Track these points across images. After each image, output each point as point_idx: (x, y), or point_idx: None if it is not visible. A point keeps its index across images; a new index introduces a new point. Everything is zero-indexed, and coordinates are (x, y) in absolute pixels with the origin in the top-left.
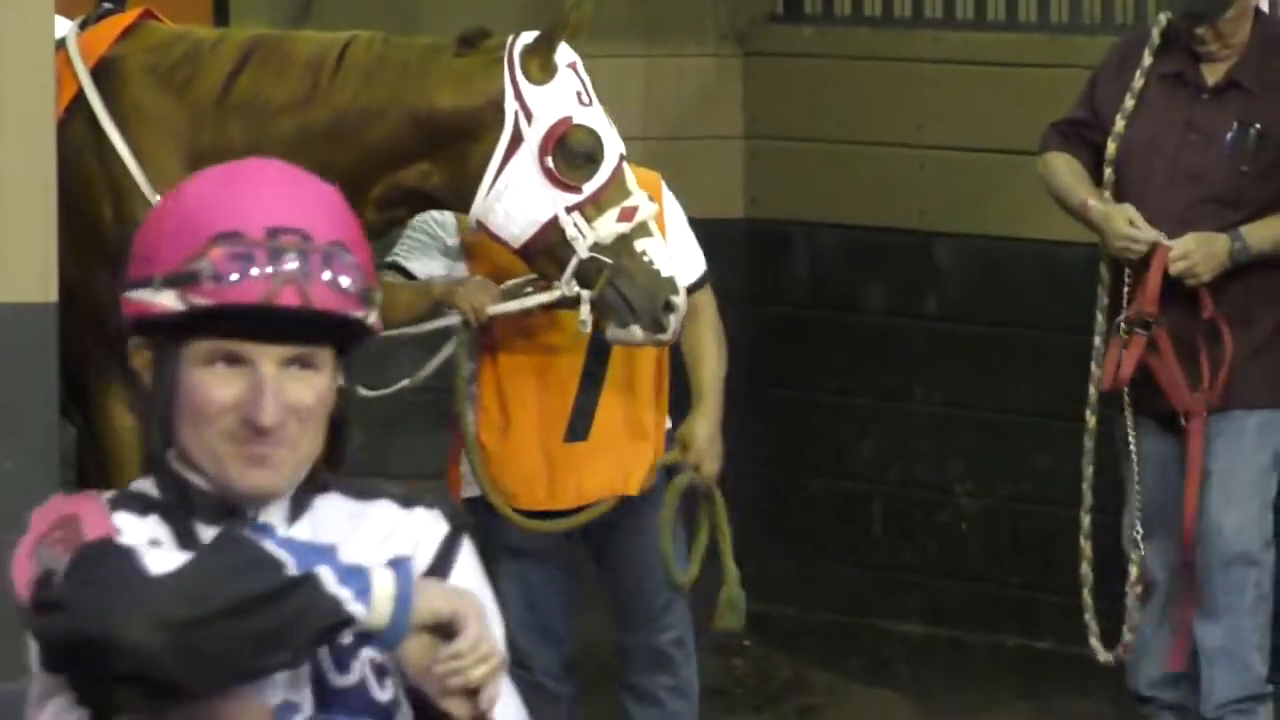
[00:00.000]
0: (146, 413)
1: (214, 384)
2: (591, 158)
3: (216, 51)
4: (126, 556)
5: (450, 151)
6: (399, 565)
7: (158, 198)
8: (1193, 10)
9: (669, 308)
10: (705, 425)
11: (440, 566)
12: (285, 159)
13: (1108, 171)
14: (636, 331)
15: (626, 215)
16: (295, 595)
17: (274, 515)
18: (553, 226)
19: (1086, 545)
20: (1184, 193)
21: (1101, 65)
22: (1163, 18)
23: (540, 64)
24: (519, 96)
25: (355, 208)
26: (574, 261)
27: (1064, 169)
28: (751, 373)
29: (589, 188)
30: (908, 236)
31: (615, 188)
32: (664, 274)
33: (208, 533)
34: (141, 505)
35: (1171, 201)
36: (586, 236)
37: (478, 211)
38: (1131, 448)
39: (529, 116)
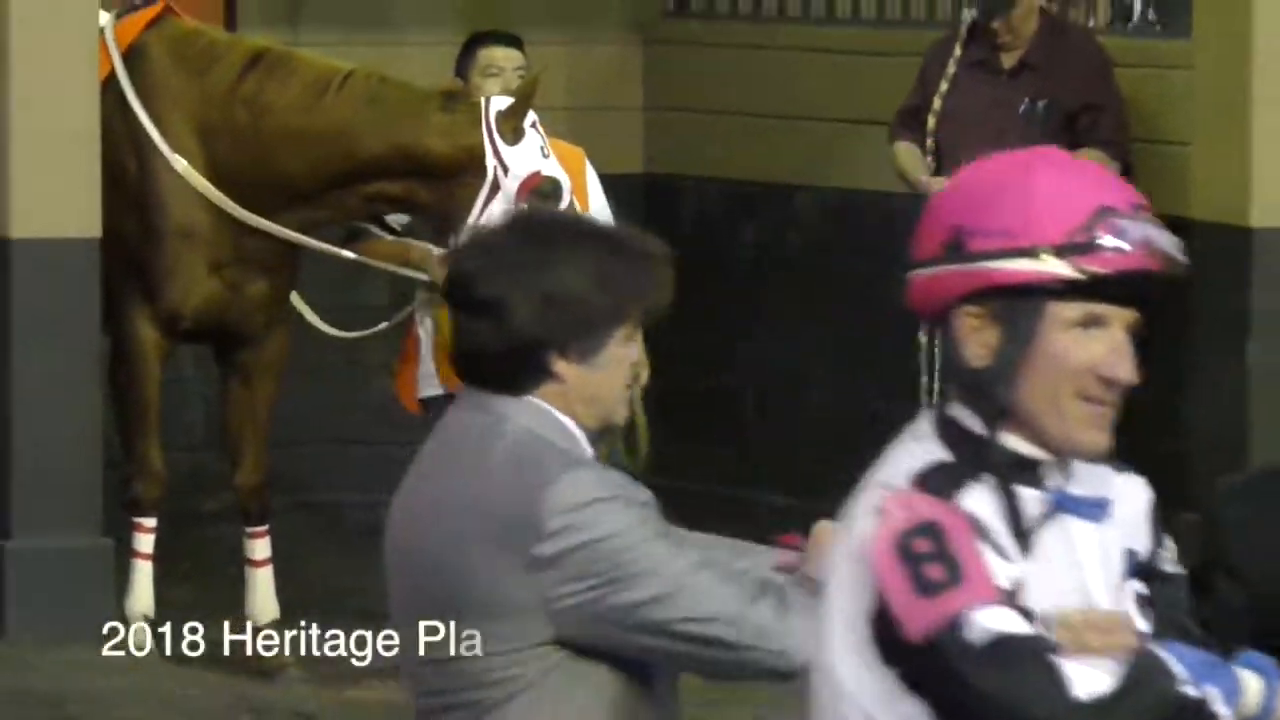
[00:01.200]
0: (955, 376)
1: (1081, 344)
2: (555, 200)
3: (232, 50)
4: (1049, 669)
5: (438, 186)
6: (1263, 667)
7: (175, 157)
8: (987, 8)
9: None
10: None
11: (1157, 535)
12: (282, 148)
13: (929, 142)
14: None
15: None
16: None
17: (1059, 478)
18: None
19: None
20: (991, 153)
21: (926, 57)
22: (968, 15)
23: (513, 128)
24: (497, 154)
25: (343, 195)
26: None
27: (905, 155)
28: None
29: None
30: (774, 189)
31: None
32: None
33: (1030, 501)
34: (954, 477)
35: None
36: None
37: (461, 235)
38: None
39: (505, 170)
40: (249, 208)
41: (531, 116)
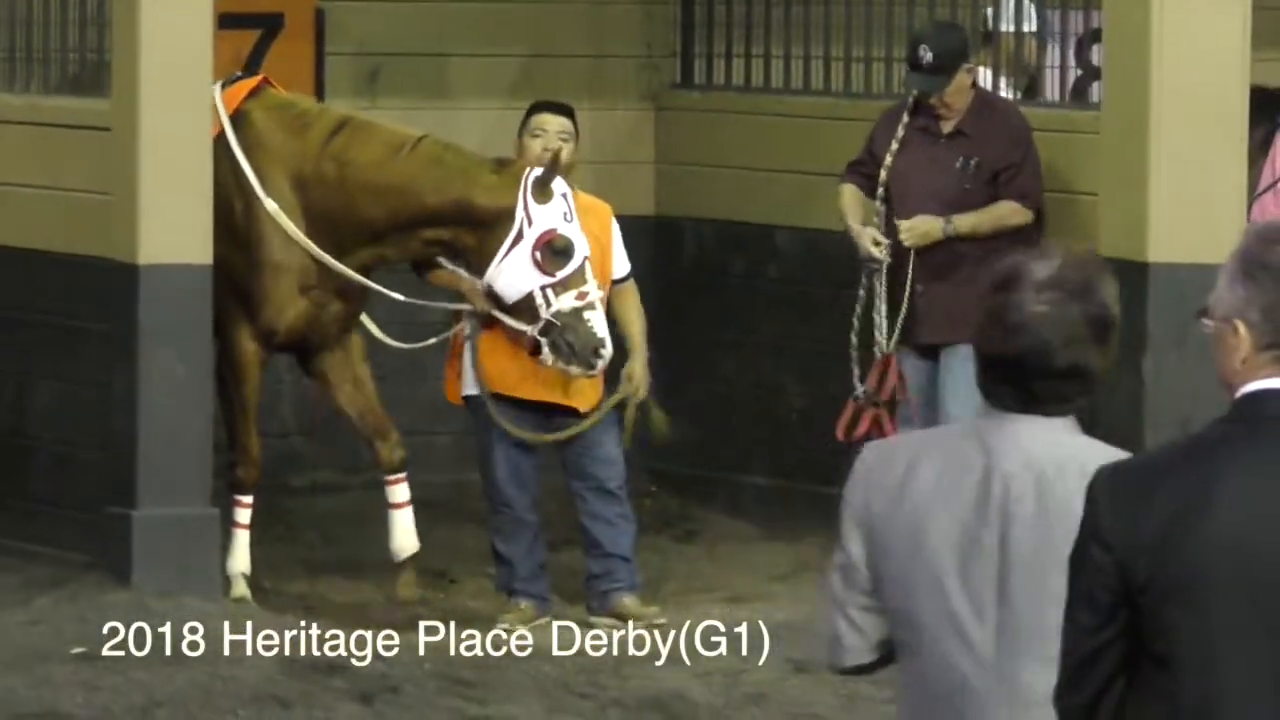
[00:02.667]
0: None
1: None
2: (566, 255)
3: (321, 117)
4: None
5: (478, 232)
6: None
7: (268, 201)
8: (923, 89)
9: (598, 355)
10: (639, 365)
11: None
12: (362, 197)
13: (880, 191)
14: (574, 369)
15: (581, 296)
16: None
17: None
18: (531, 295)
19: None
20: (930, 204)
21: (877, 123)
22: (914, 91)
23: (543, 191)
24: (526, 209)
25: (407, 238)
26: (542, 321)
27: (847, 198)
28: (659, 320)
29: (560, 274)
30: (758, 228)
31: (577, 277)
32: (598, 335)
33: None
34: None
35: (921, 208)
36: (552, 305)
37: (488, 276)
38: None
39: (530, 222)
40: (334, 245)
41: (563, 187)
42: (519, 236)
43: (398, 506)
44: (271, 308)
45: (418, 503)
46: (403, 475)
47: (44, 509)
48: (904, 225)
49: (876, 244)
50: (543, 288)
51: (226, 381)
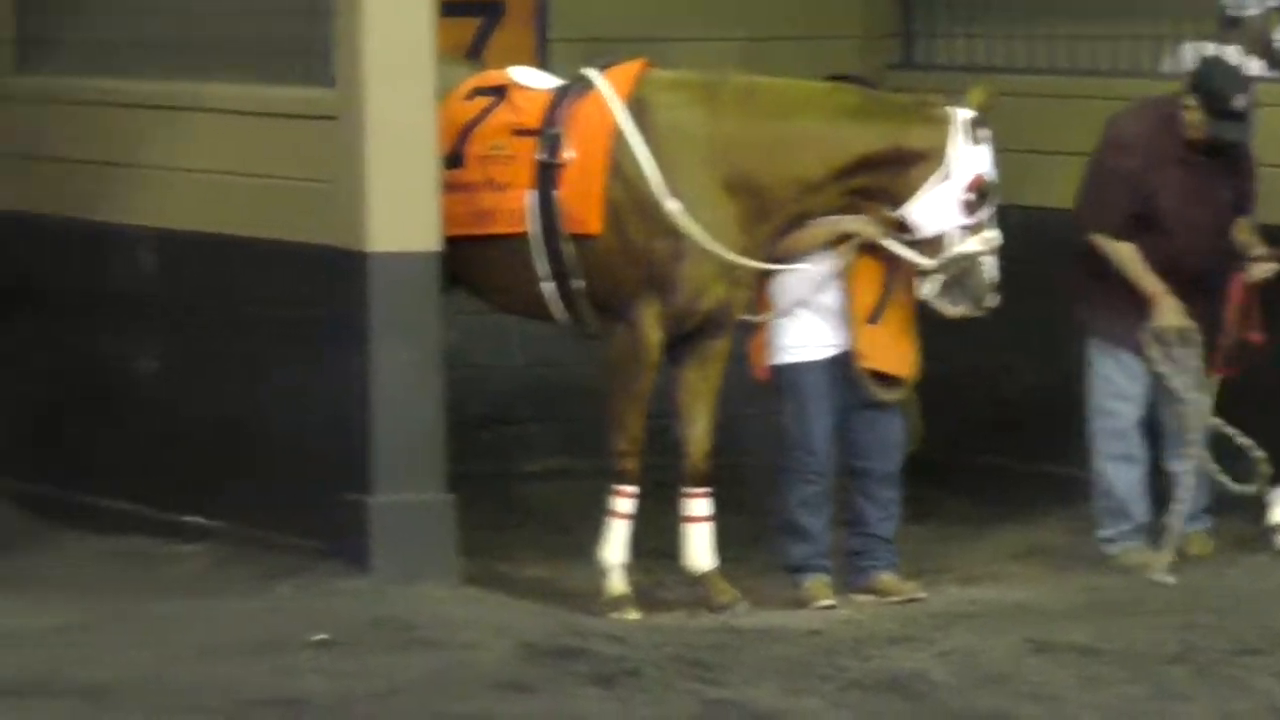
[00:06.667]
0: None
1: None
2: (988, 201)
3: (725, 84)
4: None
5: (902, 171)
6: None
7: (670, 201)
8: (1237, 138)
9: (987, 299)
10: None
11: None
12: (792, 155)
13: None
14: (958, 309)
15: (986, 241)
16: None
17: None
18: (944, 234)
19: None
20: (1203, 236)
21: (1122, 157)
22: (1193, 130)
23: (975, 133)
24: (958, 150)
25: (832, 191)
26: (945, 255)
27: (1130, 258)
28: None
29: (977, 217)
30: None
31: (989, 223)
32: (993, 280)
33: None
34: None
35: (1195, 242)
36: (959, 246)
37: (904, 209)
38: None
39: (961, 162)
40: (758, 210)
41: (987, 133)
42: (945, 175)
43: (692, 521)
44: (687, 296)
45: (660, 484)
46: (703, 490)
47: (280, 497)
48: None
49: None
50: (959, 228)
51: (627, 371)
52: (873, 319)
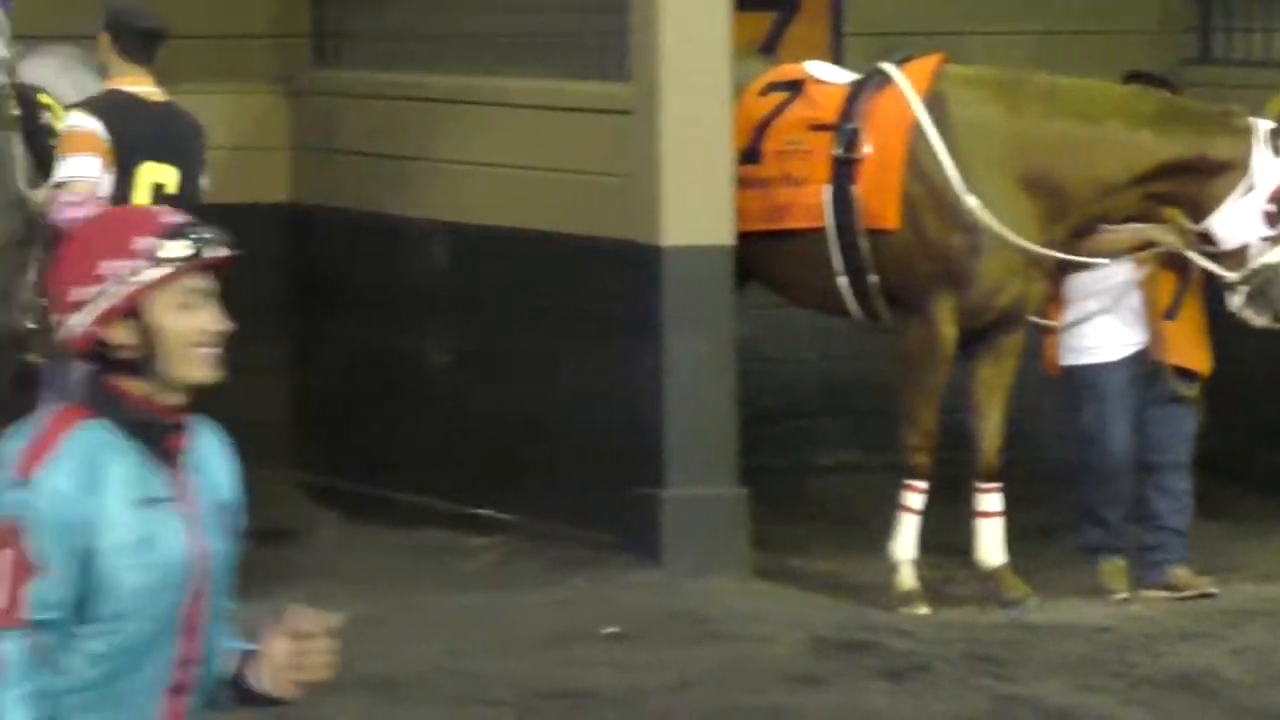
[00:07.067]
0: None
1: None
2: None
3: (1025, 82)
4: None
5: (1203, 181)
6: None
7: (968, 197)
8: None
9: None
10: None
11: None
12: (1094, 157)
13: None
14: (1261, 319)
15: None
16: None
17: None
18: (1247, 246)
19: None
20: None
21: None
22: None
23: (1276, 144)
24: (1261, 161)
25: (1131, 196)
26: (1247, 270)
27: None
28: None
29: (1277, 230)
30: None
31: None
32: None
33: None
34: None
35: None
36: (1262, 258)
37: (1207, 222)
38: None
39: (1263, 174)
40: (1053, 210)
41: None
42: (1249, 186)
43: (984, 516)
44: (985, 291)
45: (949, 479)
46: (995, 485)
47: (572, 490)
48: None
49: None
50: (1261, 239)
51: (921, 365)
52: (1169, 315)
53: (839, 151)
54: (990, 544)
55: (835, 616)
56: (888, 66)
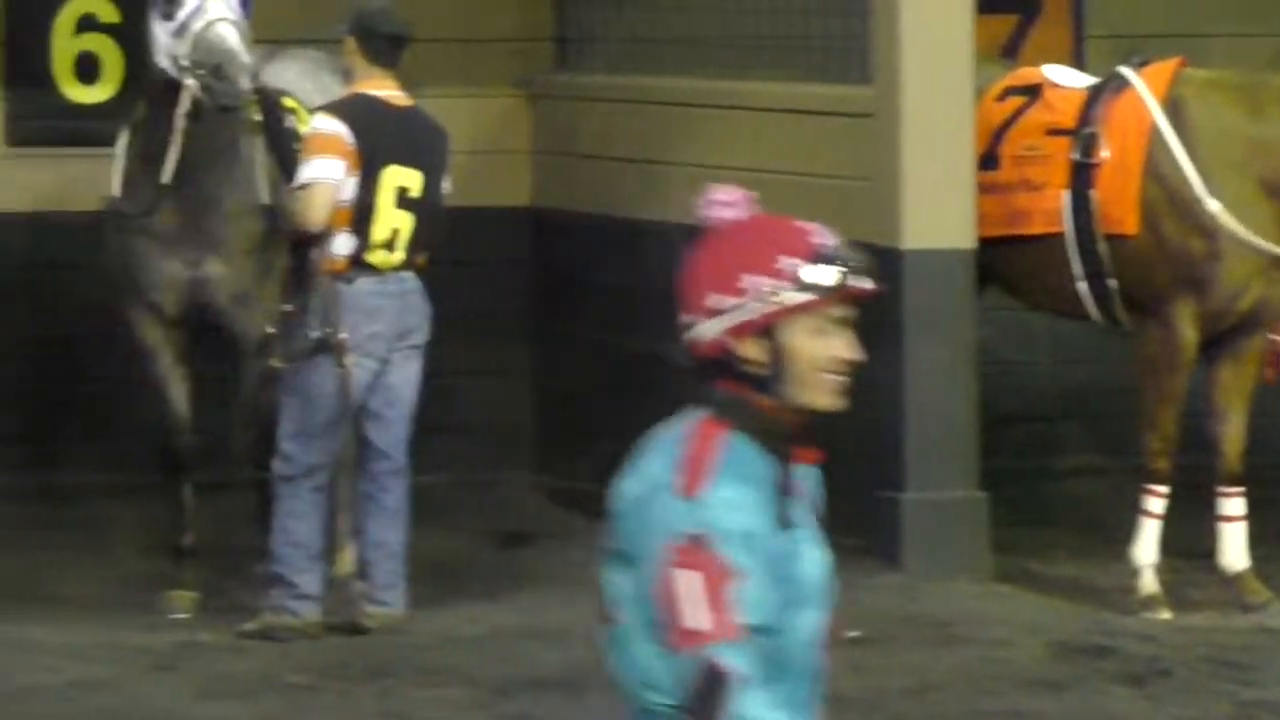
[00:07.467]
0: None
1: None
2: None
3: (1268, 84)
4: None
5: None
6: None
7: (1209, 201)
8: None
9: None
10: None
11: None
12: None
13: None
14: None
15: None
16: None
17: None
18: None
19: None
20: None
21: None
22: None
23: None
24: None
25: None
26: None
27: None
28: None
29: None
30: None
31: None
32: None
33: None
34: None
35: None
36: None
37: None
38: None
39: None
40: None
41: None
42: None
43: (1227, 520)
44: (1223, 294)
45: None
46: (1238, 490)
47: None
48: None
49: None
50: None
51: (1160, 369)
52: None
53: (1077, 156)
54: (1233, 548)
55: (1075, 621)
56: (1126, 70)
